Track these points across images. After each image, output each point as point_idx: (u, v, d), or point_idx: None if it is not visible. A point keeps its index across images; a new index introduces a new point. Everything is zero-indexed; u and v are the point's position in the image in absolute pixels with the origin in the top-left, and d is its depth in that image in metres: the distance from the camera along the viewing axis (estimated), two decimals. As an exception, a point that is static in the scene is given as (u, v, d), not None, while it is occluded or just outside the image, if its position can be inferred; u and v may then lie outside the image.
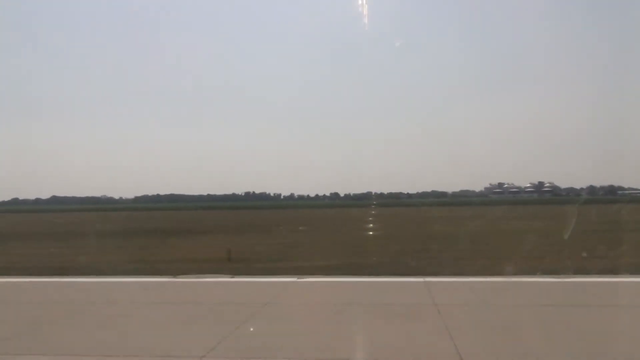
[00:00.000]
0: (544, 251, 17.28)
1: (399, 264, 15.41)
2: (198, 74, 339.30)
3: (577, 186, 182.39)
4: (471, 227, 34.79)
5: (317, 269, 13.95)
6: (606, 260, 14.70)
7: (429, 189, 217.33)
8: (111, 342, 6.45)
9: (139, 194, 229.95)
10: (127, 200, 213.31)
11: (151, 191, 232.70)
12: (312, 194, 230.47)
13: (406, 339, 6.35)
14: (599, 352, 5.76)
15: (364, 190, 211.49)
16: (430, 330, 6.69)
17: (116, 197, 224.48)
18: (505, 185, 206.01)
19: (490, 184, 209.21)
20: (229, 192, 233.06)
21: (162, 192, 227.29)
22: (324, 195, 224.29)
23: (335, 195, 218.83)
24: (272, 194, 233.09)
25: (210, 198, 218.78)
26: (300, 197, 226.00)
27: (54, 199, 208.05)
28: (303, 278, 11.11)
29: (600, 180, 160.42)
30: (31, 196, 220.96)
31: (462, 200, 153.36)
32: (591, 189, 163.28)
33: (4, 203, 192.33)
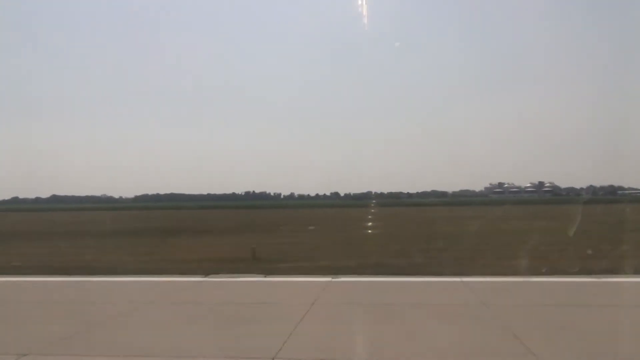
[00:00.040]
0: (571, 251, 17.28)
1: (430, 264, 15.38)
2: (198, 74, 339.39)
3: (577, 186, 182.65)
4: (487, 227, 34.81)
5: (347, 269, 13.93)
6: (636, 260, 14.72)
7: (429, 189, 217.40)
8: (187, 343, 6.44)
9: (139, 193, 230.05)
10: (127, 200, 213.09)
11: (151, 190, 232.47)
12: (312, 194, 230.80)
13: (473, 339, 6.35)
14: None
15: (364, 190, 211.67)
16: (493, 330, 6.71)
17: (116, 196, 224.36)
18: (506, 185, 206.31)
19: (490, 184, 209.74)
20: (229, 191, 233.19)
21: (162, 192, 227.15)
22: (324, 194, 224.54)
23: (335, 195, 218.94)
24: (272, 194, 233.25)
25: (211, 197, 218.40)
26: (301, 197, 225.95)
27: (54, 198, 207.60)
28: (338, 278, 11.12)
29: (601, 180, 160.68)
30: (31, 195, 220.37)
31: (462, 200, 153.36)
32: (591, 189, 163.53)
33: (4, 202, 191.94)
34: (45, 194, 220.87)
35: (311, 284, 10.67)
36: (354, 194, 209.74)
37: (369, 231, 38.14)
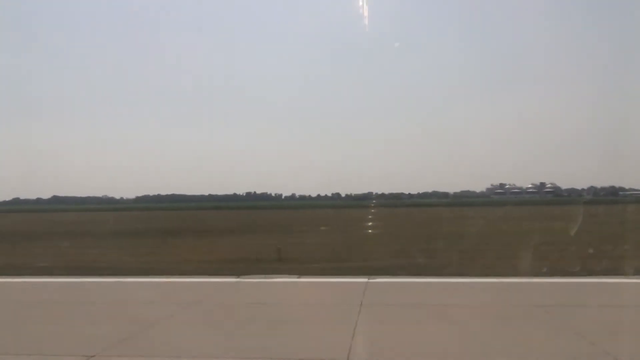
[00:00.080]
0: (592, 251, 17.31)
1: (462, 264, 15.41)
2: (198, 74, 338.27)
3: (579, 187, 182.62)
4: (503, 227, 34.86)
5: (376, 270, 13.96)
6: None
7: (429, 190, 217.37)
8: (253, 343, 6.45)
9: (140, 194, 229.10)
10: (128, 200, 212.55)
11: (152, 191, 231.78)
12: (314, 194, 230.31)
13: (541, 340, 6.35)
14: None
15: (365, 191, 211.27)
16: (559, 332, 6.73)
17: (117, 197, 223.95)
18: (507, 186, 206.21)
19: (491, 185, 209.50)
20: (230, 192, 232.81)
21: (163, 192, 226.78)
22: (326, 195, 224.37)
23: (336, 195, 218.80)
24: (273, 194, 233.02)
25: (212, 198, 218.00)
26: (302, 197, 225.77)
27: (55, 199, 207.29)
28: (374, 279, 11.10)
29: (602, 180, 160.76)
30: (32, 196, 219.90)
31: (464, 201, 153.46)
32: (592, 190, 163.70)
33: (5, 203, 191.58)
34: (46, 194, 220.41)
35: (349, 284, 10.67)
36: (355, 194, 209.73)
37: (385, 231, 38.15)
